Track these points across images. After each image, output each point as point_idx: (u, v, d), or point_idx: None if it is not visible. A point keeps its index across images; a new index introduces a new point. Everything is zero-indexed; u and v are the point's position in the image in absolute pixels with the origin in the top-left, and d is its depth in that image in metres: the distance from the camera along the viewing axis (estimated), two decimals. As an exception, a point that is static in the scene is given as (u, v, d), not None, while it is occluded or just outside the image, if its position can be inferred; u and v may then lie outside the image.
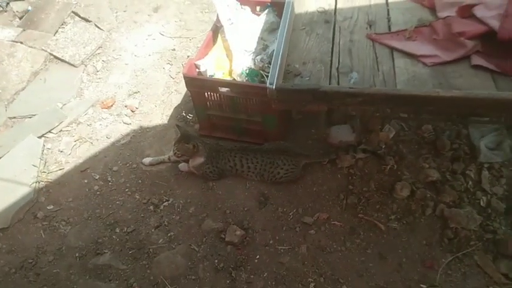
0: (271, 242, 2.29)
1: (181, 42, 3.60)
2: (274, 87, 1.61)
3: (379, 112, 1.58)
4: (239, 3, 2.83)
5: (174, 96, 3.17)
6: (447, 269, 2.09)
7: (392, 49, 1.87)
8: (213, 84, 2.49)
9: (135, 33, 3.71)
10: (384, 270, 2.12)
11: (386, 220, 2.28)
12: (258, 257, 2.23)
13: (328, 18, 2.11)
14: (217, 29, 2.84)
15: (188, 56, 3.45)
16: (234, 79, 2.63)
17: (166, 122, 2.99)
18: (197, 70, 2.60)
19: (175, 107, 3.09)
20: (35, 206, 2.56)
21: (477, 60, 1.73)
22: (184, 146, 2.41)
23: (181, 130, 2.50)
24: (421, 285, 2.05)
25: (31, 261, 2.31)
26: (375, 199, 2.36)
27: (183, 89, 3.19)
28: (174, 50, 3.53)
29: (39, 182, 2.66)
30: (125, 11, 3.90)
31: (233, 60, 2.64)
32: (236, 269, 2.19)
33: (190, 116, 2.99)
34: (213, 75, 2.62)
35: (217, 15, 2.80)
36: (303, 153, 2.53)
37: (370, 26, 2.03)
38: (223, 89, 2.48)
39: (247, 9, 2.87)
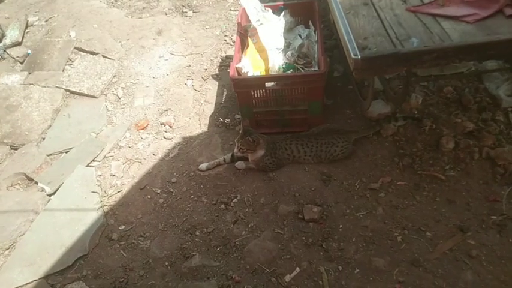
0: (347, 211, 2.47)
1: (194, 58, 3.75)
2: (359, 57, 1.84)
3: (451, 63, 1.84)
4: (263, 5, 3.07)
5: (205, 106, 3.31)
6: (509, 199, 2.37)
7: (434, 16, 2.16)
8: (260, 81, 2.69)
9: (146, 57, 3.83)
10: (456, 212, 2.37)
11: (443, 171, 2.54)
12: (341, 226, 2.41)
13: (365, 1, 2.38)
14: (242, 35, 3.05)
15: (206, 69, 3.61)
16: (273, 75, 2.84)
17: (206, 130, 3.12)
18: (243, 72, 2.77)
19: (210, 116, 3.22)
20: (107, 229, 2.59)
21: (510, 11, 2.06)
22: (248, 140, 2.57)
23: (243, 127, 2.66)
24: (492, 217, 2.31)
25: (122, 279, 2.34)
26: (426, 156, 2.62)
27: (211, 99, 3.35)
28: (189, 66, 3.67)
29: (103, 206, 2.69)
30: (128, 39, 4.01)
31: (269, 58, 2.85)
32: (325, 241, 2.35)
33: (227, 121, 3.14)
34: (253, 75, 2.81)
35: (238, 22, 3.04)
36: (350, 129, 2.77)
37: (405, 1, 2.32)
38: (269, 84, 2.69)
39: (270, 10, 3.11)
